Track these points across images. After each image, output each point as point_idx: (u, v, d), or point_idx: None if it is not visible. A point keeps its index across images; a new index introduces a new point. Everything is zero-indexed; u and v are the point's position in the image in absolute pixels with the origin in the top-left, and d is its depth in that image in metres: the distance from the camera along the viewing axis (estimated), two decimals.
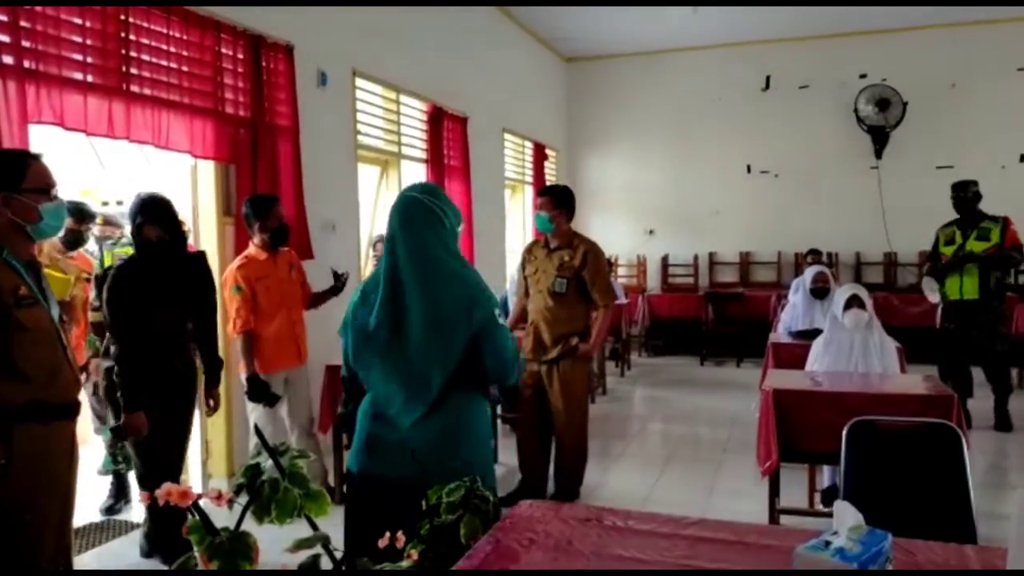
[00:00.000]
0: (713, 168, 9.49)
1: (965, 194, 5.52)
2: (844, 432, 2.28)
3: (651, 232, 9.84)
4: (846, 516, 1.39)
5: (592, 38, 9.02)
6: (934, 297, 5.65)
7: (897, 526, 2.03)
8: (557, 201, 4.01)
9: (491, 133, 7.73)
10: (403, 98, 6.05)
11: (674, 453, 5.19)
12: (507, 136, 8.18)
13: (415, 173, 6.23)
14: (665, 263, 9.70)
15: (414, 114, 6.23)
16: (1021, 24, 8.22)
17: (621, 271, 9.79)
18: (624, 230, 9.86)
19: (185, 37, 3.89)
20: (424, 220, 2.03)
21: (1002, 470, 4.81)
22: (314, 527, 1.62)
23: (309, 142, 4.72)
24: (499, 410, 5.20)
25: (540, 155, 8.99)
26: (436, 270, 1.98)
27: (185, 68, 3.89)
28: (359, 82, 5.43)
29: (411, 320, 1.96)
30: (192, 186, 4.31)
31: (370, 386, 2.06)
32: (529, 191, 8.79)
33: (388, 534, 1.42)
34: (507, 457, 4.96)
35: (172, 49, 3.82)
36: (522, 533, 1.64)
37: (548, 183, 9.01)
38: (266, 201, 3.83)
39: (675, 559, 1.51)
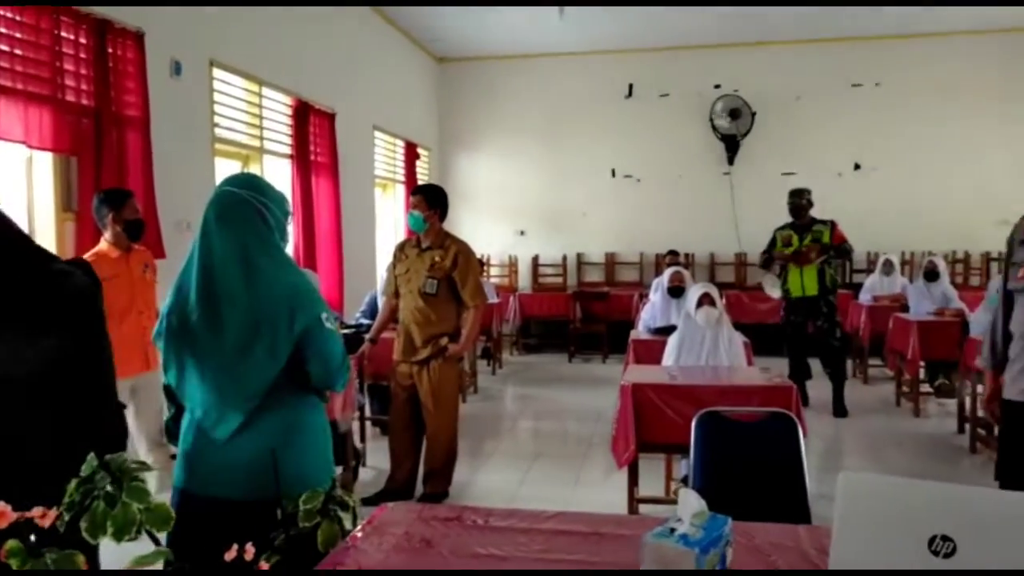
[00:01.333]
0: (581, 171, 9.77)
1: (801, 200, 6.11)
2: (693, 423, 2.41)
3: (522, 232, 10.00)
4: (690, 503, 1.47)
5: (464, 39, 9.05)
6: (775, 293, 6.26)
7: (741, 510, 2.16)
8: (431, 200, 4.00)
9: (361, 130, 7.59)
10: (266, 91, 5.82)
11: (542, 449, 5.30)
12: (378, 134, 8.06)
13: (279, 168, 6.03)
14: (536, 263, 9.89)
15: (278, 108, 6.02)
16: (855, 43, 9.00)
17: (493, 271, 9.89)
18: (496, 230, 9.97)
19: (18, 18, 3.57)
20: (243, 218, 1.90)
21: (837, 453, 5.24)
22: (156, 543, 1.53)
23: (161, 134, 4.45)
24: (368, 412, 5.12)
25: (412, 154, 8.93)
26: (255, 273, 1.87)
27: (18, 51, 3.57)
28: (217, 73, 5.17)
29: (228, 327, 1.84)
30: (27, 179, 3.96)
31: (187, 396, 1.92)
32: (401, 190, 8.71)
33: (235, 547, 1.37)
34: (376, 460, 4.89)
35: (3, 30, 3.50)
36: (381, 536, 1.62)
37: (420, 182, 8.97)
38: (121, 192, 3.71)
39: (532, 553, 1.55)
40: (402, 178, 8.76)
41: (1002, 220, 8.98)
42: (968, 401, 5.17)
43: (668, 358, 4.11)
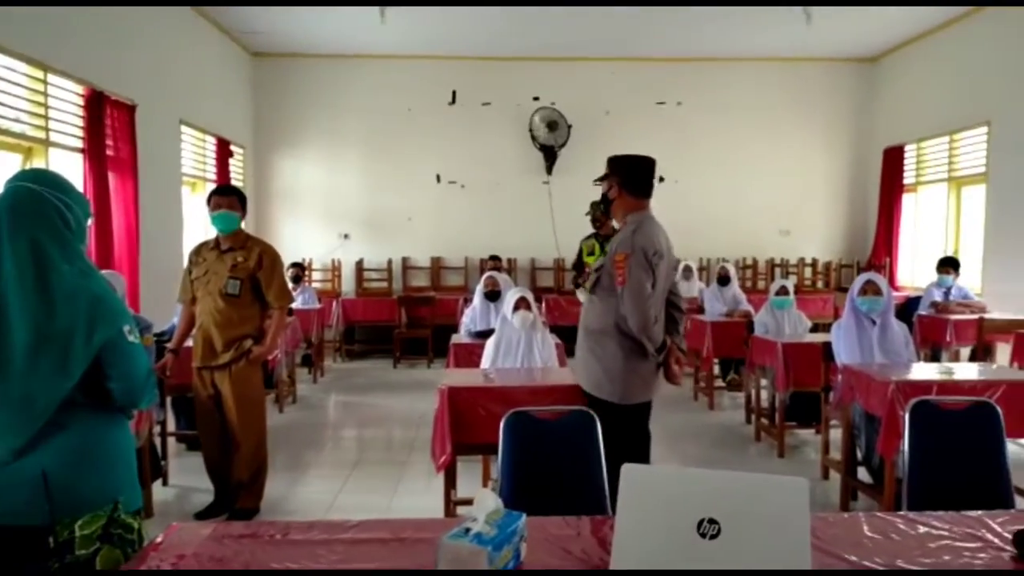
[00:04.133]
0: (406, 175, 9.76)
1: (596, 212, 6.33)
2: (502, 422, 2.48)
3: (346, 236, 9.81)
4: (486, 502, 1.52)
5: (280, 35, 8.73)
6: (584, 300, 6.56)
7: (548, 505, 2.25)
8: (242, 200, 3.93)
9: (166, 124, 7.09)
10: (52, 77, 5.28)
11: (363, 457, 5.22)
12: (185, 129, 7.56)
13: (69, 163, 5.48)
14: (360, 267, 9.72)
15: (67, 96, 5.47)
16: (658, 64, 9.69)
17: (315, 275, 9.61)
18: (318, 233, 9.70)
19: None
20: (41, 218, 1.75)
21: None
22: None
23: None
24: (171, 427, 4.79)
25: (224, 151, 8.46)
26: (50, 279, 1.71)
27: None
28: None
29: (14, 336, 1.67)
30: None
31: None
32: (212, 189, 8.22)
33: None
34: (180, 478, 4.60)
35: None
36: (166, 559, 1.53)
37: (234, 182, 8.53)
38: None
39: (330, 564, 1.52)
40: (213, 176, 8.28)
41: (784, 230, 10.09)
42: (753, 394, 5.72)
43: (486, 360, 4.20)
